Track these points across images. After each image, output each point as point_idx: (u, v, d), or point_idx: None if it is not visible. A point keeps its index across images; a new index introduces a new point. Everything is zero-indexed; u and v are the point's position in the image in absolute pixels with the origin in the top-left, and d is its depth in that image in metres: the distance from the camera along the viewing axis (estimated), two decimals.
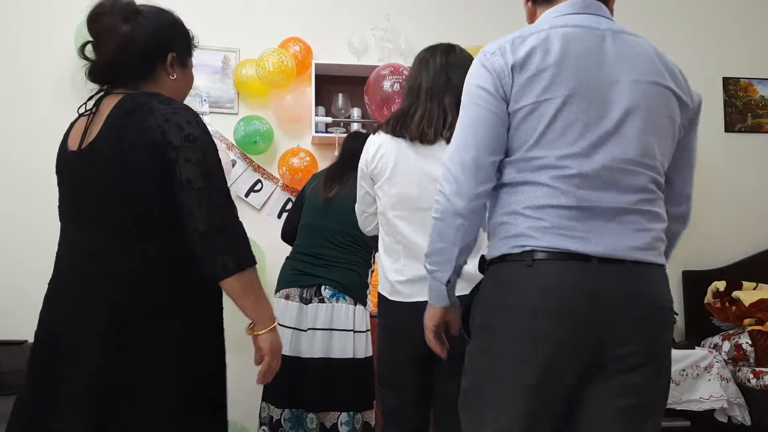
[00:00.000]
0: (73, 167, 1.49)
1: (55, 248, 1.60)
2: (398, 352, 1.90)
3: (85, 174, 1.45)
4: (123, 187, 1.39)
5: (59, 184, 1.57)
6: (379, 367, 2.03)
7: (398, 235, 1.90)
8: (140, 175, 1.37)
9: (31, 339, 3.13)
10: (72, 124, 1.57)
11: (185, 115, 1.39)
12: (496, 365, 1.29)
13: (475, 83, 1.36)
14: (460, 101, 1.49)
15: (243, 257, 1.38)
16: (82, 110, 1.55)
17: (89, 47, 1.52)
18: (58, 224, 1.60)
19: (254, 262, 1.41)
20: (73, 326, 1.39)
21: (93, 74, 1.53)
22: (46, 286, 1.54)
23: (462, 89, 1.54)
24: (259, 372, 1.50)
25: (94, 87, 1.55)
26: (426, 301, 1.57)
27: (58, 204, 1.57)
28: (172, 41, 1.53)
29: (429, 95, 1.89)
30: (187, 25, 1.60)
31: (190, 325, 1.42)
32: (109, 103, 1.46)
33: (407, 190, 1.86)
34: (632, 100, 1.30)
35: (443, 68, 1.89)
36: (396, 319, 1.90)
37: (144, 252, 1.39)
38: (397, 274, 1.89)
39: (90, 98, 1.52)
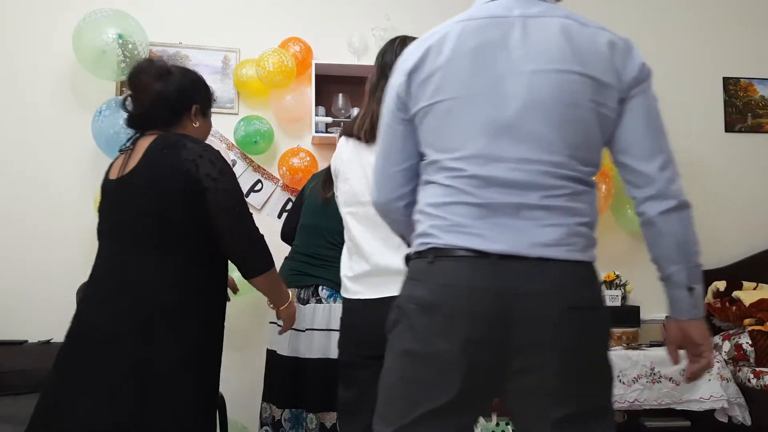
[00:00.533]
0: (113, 192, 1.81)
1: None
2: (349, 348, 1.94)
3: (123, 198, 1.76)
4: (155, 209, 1.69)
5: (100, 206, 1.86)
6: (338, 362, 2.07)
7: (349, 231, 1.94)
8: (171, 200, 1.69)
9: (30, 339, 3.16)
10: (114, 161, 1.89)
11: (214, 153, 1.76)
12: (394, 360, 1.29)
13: (387, 92, 1.41)
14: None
15: (269, 261, 1.85)
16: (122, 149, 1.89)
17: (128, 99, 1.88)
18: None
19: (273, 263, 1.87)
20: (109, 322, 1.66)
21: (130, 122, 1.86)
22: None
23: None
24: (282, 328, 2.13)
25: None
26: (371, 299, 1.78)
27: (97, 223, 1.86)
28: (195, 95, 1.90)
29: (373, 93, 1.97)
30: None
31: (205, 325, 1.76)
32: (145, 142, 1.77)
33: (355, 186, 1.91)
34: (531, 92, 1.24)
35: (389, 65, 1.89)
36: (346, 316, 1.95)
37: (171, 263, 1.70)
38: (348, 270, 1.94)
39: (129, 140, 1.86)
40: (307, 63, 3.43)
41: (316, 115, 3.41)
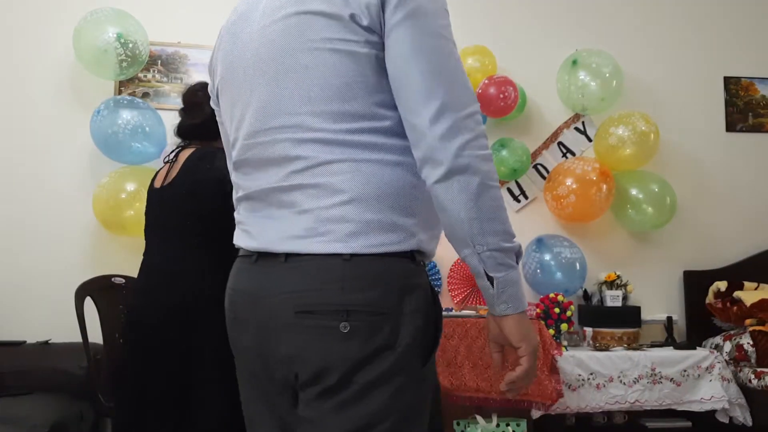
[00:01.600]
0: (158, 198, 2.07)
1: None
2: None
3: (167, 202, 2.03)
4: (194, 210, 1.97)
5: (147, 211, 2.12)
6: None
7: None
8: (205, 203, 1.95)
9: (29, 340, 3.15)
10: (158, 170, 2.17)
11: (220, 157, 1.94)
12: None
13: None
14: None
15: None
16: (166, 159, 2.14)
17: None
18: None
19: None
20: (158, 311, 1.94)
21: (180, 132, 2.13)
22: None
23: None
24: None
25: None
26: None
27: (144, 225, 2.11)
28: None
29: None
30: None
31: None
32: (185, 154, 2.06)
33: None
34: (258, 53, 1.07)
35: None
36: None
37: (208, 256, 1.94)
38: None
39: (172, 152, 2.14)
40: None
41: None
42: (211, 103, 1.27)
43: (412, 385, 1.00)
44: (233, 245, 1.48)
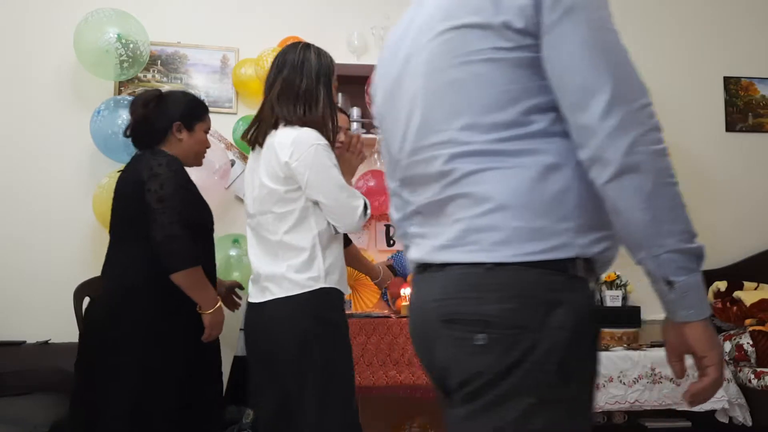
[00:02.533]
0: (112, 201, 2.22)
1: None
2: (245, 345, 2.08)
3: (112, 203, 2.20)
4: (122, 209, 2.13)
5: None
6: None
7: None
8: (130, 202, 2.07)
9: (28, 340, 3.15)
10: None
11: (160, 161, 2.07)
12: None
13: None
14: (288, 93, 1.91)
15: (184, 259, 2.01)
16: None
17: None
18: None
19: (194, 263, 2.02)
20: (94, 308, 2.18)
21: (132, 143, 2.25)
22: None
23: (290, 80, 1.92)
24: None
25: None
26: (254, 303, 1.94)
27: None
28: (174, 114, 2.21)
29: (266, 94, 2.00)
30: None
31: (166, 308, 2.05)
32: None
33: (247, 199, 2.05)
34: (414, 73, 1.08)
35: (279, 65, 2.00)
36: (245, 315, 2.05)
37: (131, 251, 2.09)
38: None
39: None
40: None
41: None
42: (375, 123, 1.29)
43: (546, 408, 0.95)
44: (149, 242, 1.98)
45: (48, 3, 3.38)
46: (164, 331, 2.04)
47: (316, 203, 1.89)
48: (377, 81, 1.23)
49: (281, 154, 1.85)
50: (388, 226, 3.54)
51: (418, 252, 1.11)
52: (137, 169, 2.10)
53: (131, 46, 3.12)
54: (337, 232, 1.95)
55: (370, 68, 3.34)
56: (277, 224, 1.89)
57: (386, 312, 3.01)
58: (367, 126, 3.44)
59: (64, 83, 3.36)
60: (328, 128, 1.95)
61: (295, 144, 1.85)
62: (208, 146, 2.34)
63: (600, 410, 2.95)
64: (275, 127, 1.90)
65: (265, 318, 1.90)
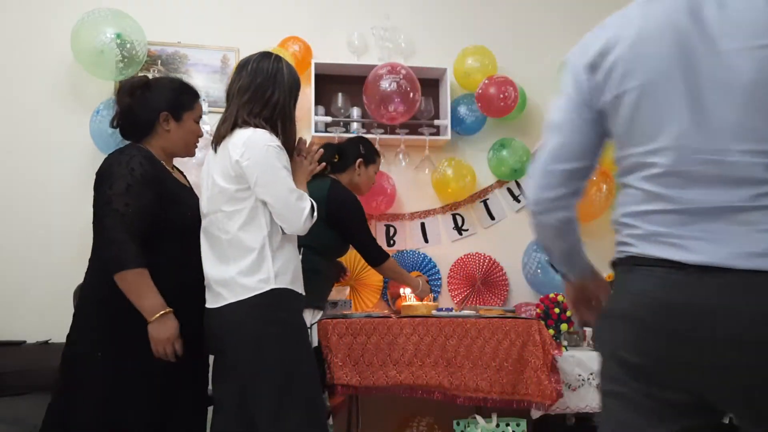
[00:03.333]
0: None
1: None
2: (210, 353, 2.11)
3: None
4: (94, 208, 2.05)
5: None
6: None
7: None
8: (94, 201, 2.03)
9: (29, 340, 3.14)
10: None
11: (116, 157, 2.00)
12: (602, 365, 1.26)
13: (566, 85, 1.34)
14: (258, 98, 1.95)
15: (120, 263, 1.90)
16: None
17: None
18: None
19: (134, 266, 1.90)
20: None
21: (120, 134, 2.16)
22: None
23: (263, 88, 1.94)
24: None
25: None
26: (208, 308, 1.97)
27: None
28: (161, 104, 2.10)
29: (238, 96, 2.02)
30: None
31: (120, 309, 1.93)
32: None
33: (202, 199, 2.06)
34: (730, 74, 1.08)
35: (252, 72, 2.02)
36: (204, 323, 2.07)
37: (95, 257, 2.05)
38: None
39: None
40: (307, 62, 3.42)
41: (316, 114, 3.40)
42: (604, 104, 1.24)
43: None
44: (106, 244, 1.94)
45: (45, 3, 3.37)
46: (135, 340, 1.93)
47: (264, 203, 1.92)
48: (639, 55, 1.18)
49: (233, 153, 1.89)
50: (388, 226, 3.54)
51: (689, 254, 1.08)
52: (102, 166, 2.05)
53: (128, 45, 3.12)
54: (284, 233, 1.96)
55: (370, 68, 3.34)
56: (227, 222, 1.92)
57: (386, 312, 3.01)
58: (367, 126, 3.44)
59: (63, 84, 3.35)
60: (294, 142, 2.05)
61: (247, 144, 1.89)
62: (200, 135, 2.24)
63: (600, 410, 2.94)
64: (231, 129, 1.95)
65: (220, 323, 1.93)
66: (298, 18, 3.56)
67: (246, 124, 1.95)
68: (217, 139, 2.01)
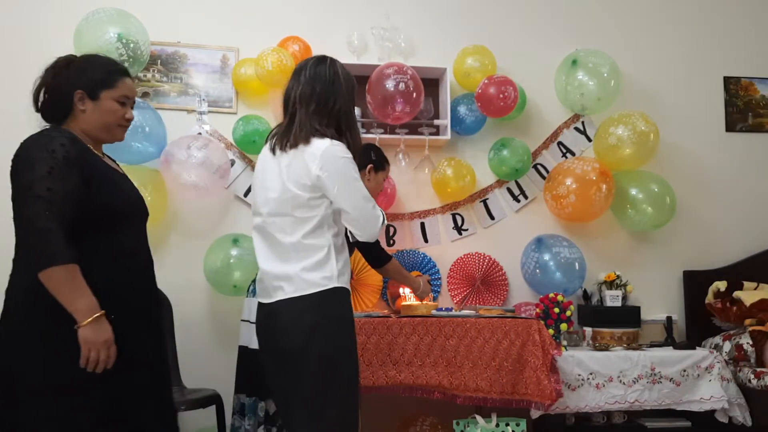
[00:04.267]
0: None
1: None
2: (261, 347, 2.11)
3: None
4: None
5: None
6: None
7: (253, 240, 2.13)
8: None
9: None
10: None
11: (34, 139, 1.78)
12: None
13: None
14: (322, 109, 1.99)
15: (50, 257, 1.64)
16: None
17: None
18: None
19: (59, 262, 1.64)
20: None
21: (42, 116, 1.95)
22: None
23: (325, 98, 1.97)
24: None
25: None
26: (261, 303, 1.97)
27: None
28: (75, 81, 1.89)
29: (294, 106, 2.06)
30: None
31: (52, 320, 1.69)
32: None
33: (256, 197, 2.09)
34: None
35: (310, 79, 2.05)
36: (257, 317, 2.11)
37: (18, 253, 1.79)
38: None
39: None
40: None
41: None
42: None
43: None
44: (28, 236, 1.67)
45: (48, 3, 3.37)
46: (64, 347, 1.68)
47: (337, 212, 2.00)
48: None
49: (311, 164, 1.95)
50: (388, 226, 3.54)
51: None
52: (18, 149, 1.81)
53: (132, 45, 3.12)
54: (354, 239, 2.09)
55: (370, 68, 3.34)
56: (296, 227, 1.98)
57: (386, 312, 3.01)
58: (367, 126, 3.44)
59: None
60: (359, 146, 2.12)
61: (324, 156, 1.96)
62: (125, 116, 1.96)
63: (600, 410, 2.95)
64: (307, 139, 1.98)
65: (279, 316, 1.95)
66: (298, 18, 3.56)
67: (320, 134, 2.00)
68: (282, 144, 2.03)
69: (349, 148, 2.02)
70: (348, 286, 2.02)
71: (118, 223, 1.84)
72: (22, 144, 1.78)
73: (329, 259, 1.97)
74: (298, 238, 1.97)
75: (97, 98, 1.90)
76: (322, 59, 2.11)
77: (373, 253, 2.87)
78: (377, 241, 2.87)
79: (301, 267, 1.95)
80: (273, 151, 2.05)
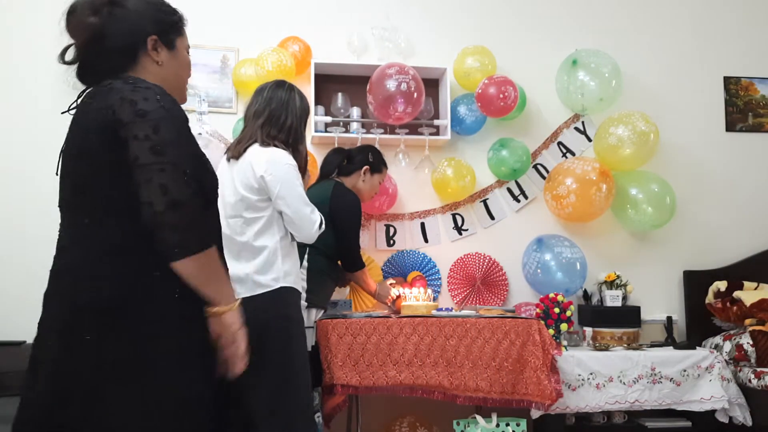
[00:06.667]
0: (60, 165, 1.52)
1: (54, 248, 1.59)
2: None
3: (63, 170, 1.48)
4: (81, 175, 1.39)
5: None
6: None
7: None
8: (95, 161, 1.35)
9: (29, 340, 3.14)
10: None
11: (145, 93, 1.33)
12: None
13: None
14: (274, 123, 2.25)
15: (195, 239, 1.30)
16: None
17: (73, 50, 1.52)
18: (57, 225, 1.61)
19: (210, 243, 1.34)
20: (44, 322, 1.38)
21: (78, 76, 1.52)
22: (44, 286, 1.53)
23: (278, 114, 2.26)
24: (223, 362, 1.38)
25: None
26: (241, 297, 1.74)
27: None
28: (149, 24, 1.47)
29: (245, 122, 2.36)
30: (189, 24, 1.61)
31: (155, 325, 1.32)
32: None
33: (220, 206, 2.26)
34: None
35: (267, 98, 2.34)
36: None
37: (106, 241, 1.33)
38: None
39: (78, 97, 1.50)
40: (306, 62, 3.42)
41: (316, 114, 3.40)
42: None
43: None
44: (132, 223, 1.27)
45: (48, 3, 3.37)
46: (152, 358, 1.31)
47: (280, 214, 2.22)
48: None
49: (257, 168, 2.18)
50: (388, 226, 3.54)
51: None
52: (98, 106, 1.35)
53: None
54: (293, 240, 2.28)
55: (370, 68, 3.34)
56: (245, 228, 2.21)
57: (386, 312, 3.01)
58: (367, 126, 3.44)
59: (65, 83, 3.35)
60: (305, 161, 2.34)
61: (270, 161, 2.20)
62: (190, 75, 1.61)
63: (600, 410, 2.95)
64: (250, 145, 2.26)
65: None
66: (298, 18, 3.56)
67: (266, 143, 2.25)
68: (236, 154, 2.28)
69: (299, 160, 2.27)
70: (296, 286, 2.24)
71: (209, 204, 1.48)
72: (125, 99, 1.33)
73: (275, 262, 2.17)
74: (248, 239, 2.19)
75: (173, 47, 1.51)
76: (282, 83, 2.39)
77: (351, 258, 2.93)
78: (359, 247, 2.95)
79: (252, 269, 2.15)
80: (228, 160, 2.32)
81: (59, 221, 1.51)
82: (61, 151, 1.49)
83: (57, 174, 1.54)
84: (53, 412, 1.28)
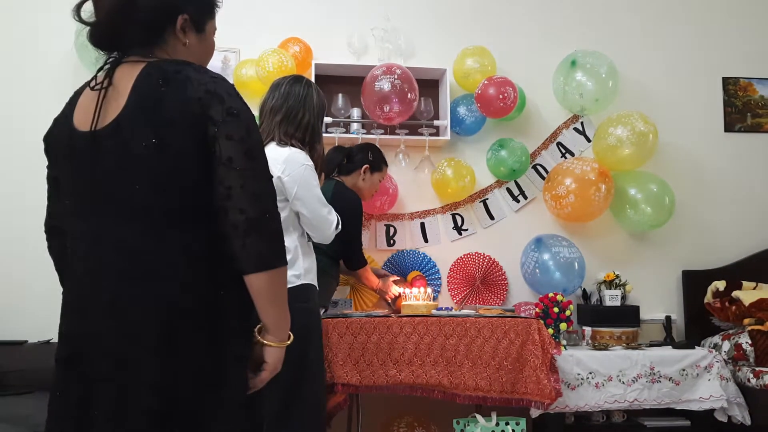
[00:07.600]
0: (89, 150, 1.24)
1: None
2: None
3: (108, 157, 1.22)
4: (162, 171, 1.20)
5: (63, 171, 1.32)
6: None
7: None
8: (181, 157, 1.20)
9: (30, 339, 3.15)
10: (74, 101, 1.35)
11: (225, 86, 1.26)
12: None
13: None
14: (291, 120, 2.21)
15: (280, 252, 1.24)
16: (93, 83, 1.32)
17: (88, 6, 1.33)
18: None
19: (286, 262, 1.27)
20: (112, 340, 1.21)
21: (93, 37, 1.34)
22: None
23: (295, 110, 2.20)
24: (255, 380, 1.32)
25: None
26: None
27: (61, 195, 1.34)
28: (184, 1, 1.34)
29: (264, 116, 2.30)
30: (220, 5, 1.45)
31: (244, 326, 1.29)
32: (129, 74, 1.25)
33: None
34: None
35: (285, 94, 2.28)
36: None
37: (188, 246, 1.22)
38: None
39: (100, 69, 1.31)
40: (307, 63, 3.43)
41: None
42: None
43: None
44: (207, 228, 1.19)
45: (50, 2, 3.38)
46: (244, 357, 1.30)
47: (297, 215, 2.20)
48: None
49: (274, 169, 2.12)
50: (388, 226, 3.55)
51: None
52: (179, 96, 1.21)
53: None
54: (309, 240, 2.27)
55: (370, 69, 3.35)
56: None
57: (386, 311, 3.02)
58: (367, 126, 3.45)
59: (66, 81, 3.36)
60: (323, 160, 2.33)
61: (287, 162, 2.17)
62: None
63: (599, 409, 2.96)
64: (267, 144, 2.20)
65: None
66: (299, 19, 3.57)
67: (283, 143, 2.21)
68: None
69: (315, 158, 2.24)
70: (315, 283, 2.24)
71: None
72: (209, 90, 1.23)
73: (297, 259, 2.18)
74: None
75: (202, 29, 1.40)
76: (299, 78, 2.33)
77: (354, 257, 2.94)
78: (360, 246, 2.96)
79: None
80: None
81: (81, 217, 1.28)
82: (95, 129, 1.24)
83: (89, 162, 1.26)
84: (154, 427, 1.17)
